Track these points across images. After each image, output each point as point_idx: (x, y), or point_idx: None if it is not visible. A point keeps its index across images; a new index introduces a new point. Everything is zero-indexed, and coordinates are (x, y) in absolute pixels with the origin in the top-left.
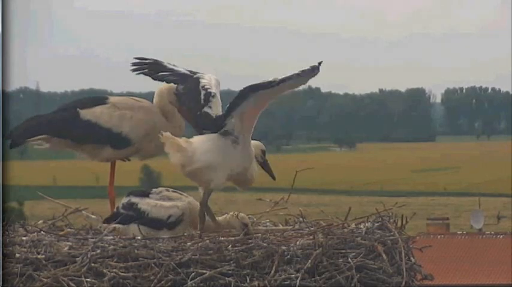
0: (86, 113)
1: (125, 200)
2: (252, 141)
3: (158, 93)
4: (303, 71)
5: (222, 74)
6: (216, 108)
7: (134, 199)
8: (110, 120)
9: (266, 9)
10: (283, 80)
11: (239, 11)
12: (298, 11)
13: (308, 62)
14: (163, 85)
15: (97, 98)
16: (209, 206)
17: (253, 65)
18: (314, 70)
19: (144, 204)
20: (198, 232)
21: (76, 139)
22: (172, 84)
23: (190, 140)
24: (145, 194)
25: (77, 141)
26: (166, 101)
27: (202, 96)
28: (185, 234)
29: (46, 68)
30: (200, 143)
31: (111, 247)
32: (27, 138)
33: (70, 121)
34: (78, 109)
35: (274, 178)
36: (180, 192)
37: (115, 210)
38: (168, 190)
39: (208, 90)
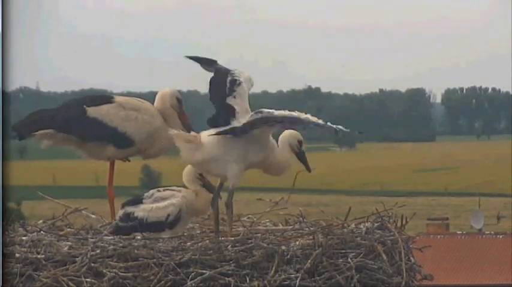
0: (93, 111)
1: (120, 212)
2: (289, 131)
3: (160, 97)
4: (321, 124)
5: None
6: (241, 100)
7: (129, 209)
8: (116, 119)
9: (264, 4)
10: (294, 121)
11: (239, 7)
12: (297, 9)
13: (308, 61)
14: (166, 89)
15: (103, 96)
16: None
17: (253, 65)
18: (331, 129)
19: (140, 211)
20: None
21: (81, 136)
22: (174, 89)
23: (201, 133)
24: (138, 201)
25: (81, 139)
26: (168, 105)
27: (227, 84)
28: (185, 234)
29: (46, 68)
30: (209, 137)
31: (111, 247)
32: (33, 131)
33: (76, 118)
34: (85, 106)
35: (309, 170)
36: (171, 188)
37: (113, 223)
38: (159, 190)
39: (235, 77)
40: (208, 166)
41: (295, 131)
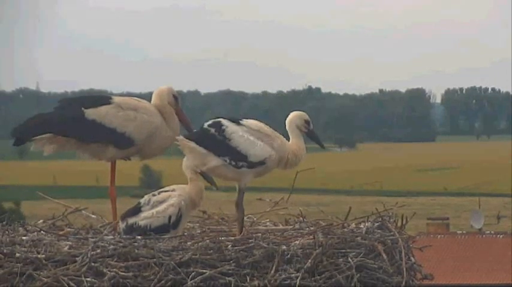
0: (91, 113)
1: (122, 224)
2: (294, 112)
3: (158, 94)
4: None
5: (223, 74)
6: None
7: (131, 220)
8: (115, 120)
9: (266, 5)
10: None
11: (241, 6)
12: (298, 10)
13: (309, 61)
14: (162, 86)
15: (101, 97)
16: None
17: (254, 65)
18: None
19: (142, 219)
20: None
21: (81, 138)
22: (171, 85)
23: None
24: (137, 210)
25: (81, 141)
26: (165, 102)
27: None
28: (185, 234)
29: (46, 68)
30: None
31: (112, 246)
32: (32, 136)
33: (75, 120)
34: (83, 108)
35: (322, 147)
36: (166, 189)
37: (117, 235)
38: (154, 195)
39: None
40: (221, 170)
41: (299, 112)
